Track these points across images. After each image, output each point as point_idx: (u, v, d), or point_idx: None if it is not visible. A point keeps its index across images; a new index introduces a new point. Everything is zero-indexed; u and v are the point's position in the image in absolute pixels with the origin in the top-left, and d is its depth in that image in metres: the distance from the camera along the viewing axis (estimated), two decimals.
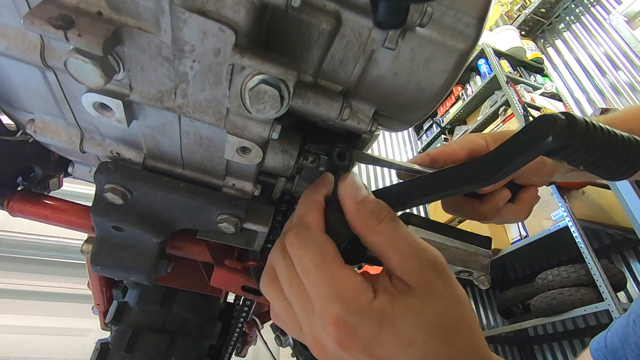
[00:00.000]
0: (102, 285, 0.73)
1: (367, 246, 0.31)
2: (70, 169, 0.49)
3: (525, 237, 2.48)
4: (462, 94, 3.67)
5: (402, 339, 0.26)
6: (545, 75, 3.44)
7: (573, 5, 3.38)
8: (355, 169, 0.38)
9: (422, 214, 3.44)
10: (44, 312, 2.17)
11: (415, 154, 4.15)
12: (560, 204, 2.18)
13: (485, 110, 3.30)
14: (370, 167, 3.77)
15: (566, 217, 2.15)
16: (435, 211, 3.30)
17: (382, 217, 0.30)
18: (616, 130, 0.26)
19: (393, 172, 3.99)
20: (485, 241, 0.44)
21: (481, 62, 3.38)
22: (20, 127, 0.41)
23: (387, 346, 0.26)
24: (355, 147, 0.41)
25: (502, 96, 3.00)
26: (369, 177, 3.77)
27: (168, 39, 0.27)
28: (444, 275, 0.29)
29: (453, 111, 3.70)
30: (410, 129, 3.00)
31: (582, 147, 0.25)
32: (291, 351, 0.77)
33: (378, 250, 0.30)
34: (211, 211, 0.41)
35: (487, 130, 3.14)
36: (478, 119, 3.34)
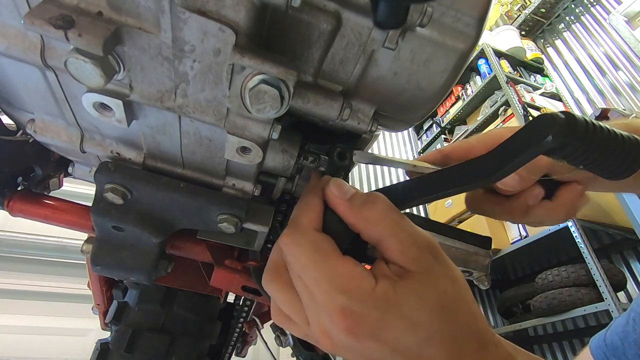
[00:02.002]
0: (102, 285, 0.73)
1: (365, 239, 0.31)
2: (70, 169, 0.49)
3: (525, 237, 2.48)
4: (462, 94, 3.67)
5: (408, 321, 0.27)
6: (545, 75, 3.44)
7: (573, 5, 3.38)
8: (354, 169, 0.38)
9: (422, 214, 3.44)
10: (44, 312, 2.17)
11: (415, 154, 4.15)
12: None
13: (485, 110, 3.30)
14: (370, 167, 3.76)
15: None
16: (435, 211, 3.30)
17: (376, 206, 0.31)
18: (616, 130, 0.26)
19: (393, 172, 3.99)
20: (485, 241, 0.45)
21: (481, 62, 3.38)
22: (21, 127, 0.41)
23: (395, 329, 0.27)
24: (355, 147, 0.41)
25: (502, 96, 3.00)
26: (369, 177, 3.77)
27: (168, 39, 0.27)
28: (440, 256, 0.30)
29: (453, 111, 3.70)
30: (410, 129, 3.00)
31: (582, 146, 0.26)
32: (291, 351, 0.77)
33: (377, 241, 0.30)
34: (211, 211, 0.41)
35: (487, 130, 3.14)
36: (478, 119, 3.34)
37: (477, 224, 2.70)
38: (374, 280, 0.28)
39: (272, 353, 0.82)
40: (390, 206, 0.31)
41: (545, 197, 0.41)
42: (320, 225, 0.32)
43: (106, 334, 0.72)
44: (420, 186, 0.33)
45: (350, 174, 0.40)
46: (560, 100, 3.12)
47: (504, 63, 3.25)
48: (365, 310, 0.27)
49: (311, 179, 0.39)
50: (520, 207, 0.42)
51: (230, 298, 0.89)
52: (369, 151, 0.42)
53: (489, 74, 3.22)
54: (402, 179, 0.39)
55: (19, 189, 0.50)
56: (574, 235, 2.12)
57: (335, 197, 0.32)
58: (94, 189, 0.39)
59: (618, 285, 2.07)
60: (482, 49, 3.26)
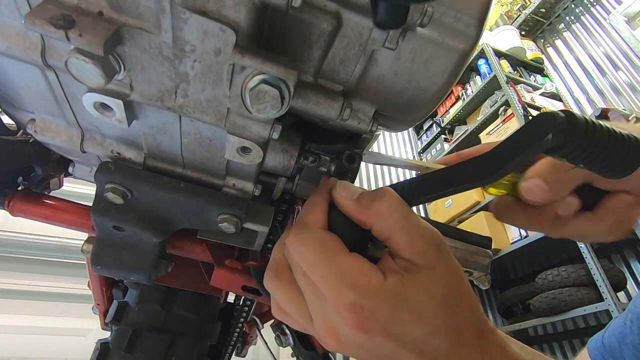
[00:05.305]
0: (102, 285, 0.73)
1: (375, 234, 0.31)
2: (70, 169, 0.49)
3: (525, 237, 2.49)
4: (462, 94, 3.67)
5: (416, 314, 0.27)
6: (545, 75, 3.44)
7: (573, 5, 3.38)
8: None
9: (422, 214, 3.44)
10: (44, 312, 2.16)
11: (415, 154, 4.15)
12: None
13: (485, 110, 3.30)
14: (371, 166, 3.77)
15: None
16: (435, 211, 3.30)
17: (385, 200, 0.31)
18: (616, 129, 0.26)
19: (394, 172, 3.98)
20: (486, 241, 0.45)
21: (481, 62, 3.38)
22: (21, 126, 0.41)
23: (404, 323, 0.27)
24: (355, 147, 0.41)
25: (502, 96, 3.00)
26: (369, 177, 3.77)
27: (169, 39, 0.27)
28: (444, 250, 0.31)
29: (453, 111, 3.70)
30: (410, 129, 3.00)
31: (582, 144, 0.26)
32: (291, 351, 0.77)
33: (387, 235, 0.31)
34: (211, 211, 0.41)
35: (487, 131, 3.14)
36: (478, 119, 3.34)
37: (477, 224, 2.70)
38: (382, 276, 0.28)
39: (272, 353, 0.82)
40: (399, 199, 0.31)
41: (586, 208, 0.36)
42: (326, 225, 0.32)
43: (106, 334, 0.72)
44: (422, 185, 0.33)
45: None
46: (560, 100, 3.12)
47: (504, 63, 3.25)
48: (375, 305, 0.27)
49: (320, 183, 0.39)
50: (547, 218, 0.37)
51: (231, 298, 0.89)
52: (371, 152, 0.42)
53: (489, 74, 3.22)
54: (402, 179, 0.39)
55: (20, 188, 0.50)
56: None
57: (344, 198, 0.32)
58: (94, 188, 0.39)
59: (618, 285, 2.07)
60: (482, 49, 3.26)
